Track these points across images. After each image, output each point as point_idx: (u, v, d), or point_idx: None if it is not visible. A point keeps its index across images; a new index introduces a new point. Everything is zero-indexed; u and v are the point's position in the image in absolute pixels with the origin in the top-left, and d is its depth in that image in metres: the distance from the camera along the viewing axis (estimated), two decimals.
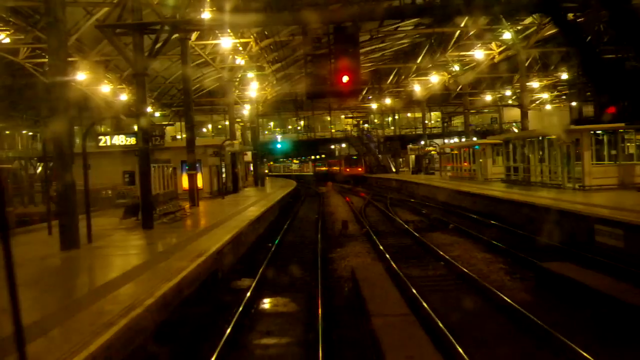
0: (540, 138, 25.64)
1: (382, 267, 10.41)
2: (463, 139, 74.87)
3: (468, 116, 51.61)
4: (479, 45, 41.47)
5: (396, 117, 68.49)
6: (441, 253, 14.44)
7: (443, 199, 30.27)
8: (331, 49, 14.10)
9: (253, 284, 11.67)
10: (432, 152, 54.04)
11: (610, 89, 2.28)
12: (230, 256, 13.69)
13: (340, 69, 14.55)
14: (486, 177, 33.72)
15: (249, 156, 49.33)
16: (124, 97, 42.77)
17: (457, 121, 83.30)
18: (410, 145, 59.55)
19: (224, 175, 34.34)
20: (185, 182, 29.44)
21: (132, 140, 30.12)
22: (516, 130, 73.08)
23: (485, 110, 79.51)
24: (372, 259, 14.81)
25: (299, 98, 53.56)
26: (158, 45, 17.73)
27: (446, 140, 73.82)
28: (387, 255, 14.27)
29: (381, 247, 15.67)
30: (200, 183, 29.77)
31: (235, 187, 34.94)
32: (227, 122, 78.70)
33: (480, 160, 34.61)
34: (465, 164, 38.90)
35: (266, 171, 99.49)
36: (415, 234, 18.34)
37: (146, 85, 16.91)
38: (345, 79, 14.59)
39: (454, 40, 40.47)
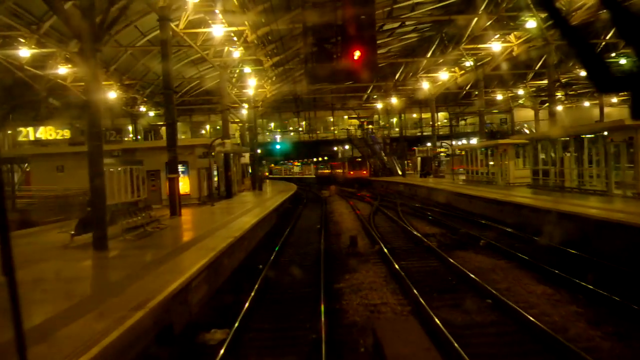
0: (579, 137, 21.95)
1: (420, 332, 6.71)
2: (473, 141, 71.34)
3: (483, 115, 47.85)
4: (497, 36, 37.74)
5: (402, 117, 64.80)
6: (484, 285, 10.76)
7: (462, 206, 26.60)
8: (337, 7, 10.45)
9: (227, 339, 8.03)
10: (442, 154, 50.25)
11: (611, 89, 2.07)
12: (202, 290, 10.05)
13: (350, 42, 10.90)
14: (508, 182, 30.03)
15: (246, 158, 45.74)
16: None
17: (464, 122, 79.84)
18: (418, 147, 55.78)
19: (215, 179, 30.71)
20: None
21: (65, 133, 26.37)
22: (527, 132, 69.50)
23: (495, 111, 75.86)
24: (392, 292, 11.13)
25: (301, 96, 49.80)
26: (115, 7, 14.05)
27: (453, 142, 70.33)
28: (412, 288, 10.62)
29: (402, 274, 12.01)
30: (186, 188, 26.17)
31: (228, 191, 31.30)
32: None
33: (503, 162, 30.89)
34: (481, 167, 35.21)
35: (266, 174, 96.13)
36: (441, 253, 14.66)
37: (98, 58, 12.99)
38: (357, 54, 10.93)
39: (469, 30, 36.79)
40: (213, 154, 26.05)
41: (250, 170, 58.60)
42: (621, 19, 2.01)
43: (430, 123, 75.12)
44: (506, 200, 21.54)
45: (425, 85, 51.59)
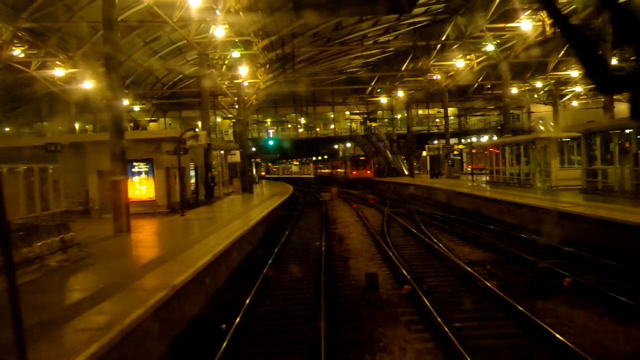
0: None
1: None
2: (484, 138, 65.58)
3: (509, 108, 42.01)
4: (527, 14, 31.92)
5: (409, 112, 58.92)
6: None
7: (498, 216, 20.89)
8: None
9: None
10: (456, 152, 44.46)
11: (611, 89, 2.19)
12: None
13: None
14: (550, 185, 24.28)
15: (237, 156, 39.97)
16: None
17: (474, 119, 73.99)
18: (428, 144, 49.90)
19: (193, 181, 24.97)
20: (131, 191, 20.05)
21: None
22: (542, 128, 63.74)
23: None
24: None
25: (298, 83, 44.03)
26: None
27: (462, 140, 64.62)
28: None
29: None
30: (151, 192, 20.40)
31: (209, 196, 25.52)
32: (219, 119, 69.78)
33: (543, 160, 25.12)
34: (510, 166, 29.50)
35: (263, 173, 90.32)
36: (515, 305, 8.90)
37: None
38: None
39: (494, 6, 31.02)
40: (183, 149, 20.28)
41: (254, 170, 53.09)
42: (621, 18, 1.95)
43: (437, 120, 70.13)
44: (581, 213, 15.71)
45: (436, 77, 45.76)
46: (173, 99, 60.07)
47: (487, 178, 33.22)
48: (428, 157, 49.81)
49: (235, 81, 43.25)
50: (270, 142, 34.01)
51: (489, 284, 10.47)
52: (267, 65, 39.10)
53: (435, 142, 56.06)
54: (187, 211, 21.57)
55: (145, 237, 15.14)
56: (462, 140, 63.54)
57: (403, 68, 48.12)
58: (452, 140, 54.49)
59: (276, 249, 15.77)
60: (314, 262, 14.38)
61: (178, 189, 22.37)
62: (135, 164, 20.37)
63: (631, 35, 1.97)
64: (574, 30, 2.16)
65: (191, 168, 24.97)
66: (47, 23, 29.97)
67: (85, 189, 20.55)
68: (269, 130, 39.64)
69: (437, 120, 70.31)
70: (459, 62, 42.31)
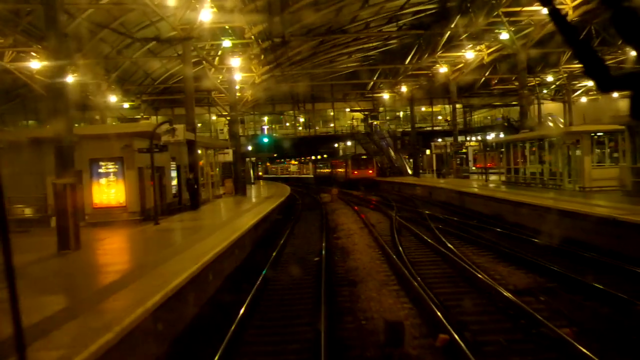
0: None
1: None
2: (490, 136, 62.33)
3: (527, 100, 38.73)
4: None
5: (414, 108, 55.67)
6: None
7: (529, 223, 17.68)
8: None
9: None
10: (464, 150, 41.20)
11: (611, 88, 2.09)
12: None
13: None
14: (581, 186, 21.05)
15: (231, 155, 36.73)
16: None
17: (479, 115, 70.62)
18: (435, 142, 46.59)
19: (174, 183, 21.76)
20: (97, 196, 16.94)
21: None
22: (551, 125, 60.43)
23: (514, 103, 66.77)
24: None
25: (297, 77, 40.74)
26: None
27: (467, 138, 61.41)
28: None
29: None
30: (121, 197, 17.19)
31: (194, 200, 22.28)
32: (214, 117, 66.53)
33: (574, 157, 21.89)
34: (530, 164, 26.31)
35: (260, 173, 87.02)
36: None
37: None
38: None
39: None
40: (158, 146, 17.01)
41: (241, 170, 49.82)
42: (621, 18, 1.96)
43: (439, 118, 66.72)
44: None
45: (443, 69, 42.50)
46: (165, 95, 56.79)
47: (502, 178, 30.01)
48: (434, 156, 46.59)
49: (228, 74, 40.14)
50: (265, 140, 30.77)
51: (560, 332, 7.26)
52: (262, 56, 35.86)
53: (439, 140, 52.81)
54: (165, 218, 18.37)
55: (95, 257, 11.91)
56: (467, 138, 60.45)
57: (407, 61, 44.83)
58: (459, 138, 51.24)
59: (264, 271, 12.52)
60: (311, 289, 11.17)
61: (158, 192, 19.14)
62: (102, 163, 17.16)
63: (631, 35, 1.95)
64: (574, 29, 2.13)
65: (172, 168, 21.75)
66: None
67: (44, 193, 17.32)
68: (263, 127, 36.21)
69: (439, 117, 67.13)
70: (469, 54, 39.05)
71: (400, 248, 15.07)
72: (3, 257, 2.53)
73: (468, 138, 60.96)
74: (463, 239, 16.72)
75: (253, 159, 46.72)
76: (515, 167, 28.31)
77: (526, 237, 15.74)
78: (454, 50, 41.48)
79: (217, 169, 31.93)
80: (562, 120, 59.34)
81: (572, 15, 28.53)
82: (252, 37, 29.92)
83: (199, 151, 28.22)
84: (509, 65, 47.57)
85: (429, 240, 16.27)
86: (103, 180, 17.12)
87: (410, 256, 13.96)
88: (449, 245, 15.01)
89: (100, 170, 17.03)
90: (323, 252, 14.83)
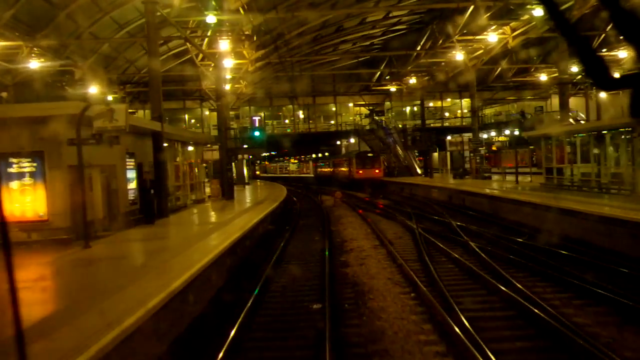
0: None
1: None
2: (506, 132, 57.07)
3: (567, 88, 33.55)
4: None
5: (424, 102, 50.42)
6: None
7: (616, 246, 12.51)
8: None
9: None
10: (481, 148, 35.92)
11: (611, 87, 2.04)
12: None
13: None
14: None
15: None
16: None
17: (490, 110, 65.24)
18: (451, 137, 41.19)
19: (132, 186, 16.57)
20: (6, 206, 11.77)
21: None
22: (573, 122, 55.06)
23: (529, 97, 61.57)
24: None
25: (295, 64, 35.46)
26: None
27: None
28: None
29: None
30: (41, 208, 11.99)
31: (161, 208, 17.09)
32: (207, 112, 61.27)
33: None
34: (583, 164, 21.10)
35: (258, 172, 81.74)
36: None
37: None
38: None
39: None
40: (90, 137, 11.79)
41: (233, 169, 44.52)
42: (621, 18, 1.88)
43: (446, 114, 61.24)
44: None
45: (459, 56, 37.28)
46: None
47: (529, 179, 24.80)
48: (448, 154, 41.38)
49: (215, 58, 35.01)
50: (256, 134, 25.64)
51: None
52: (255, 37, 30.64)
53: (449, 137, 47.47)
54: (105, 238, 13.25)
55: None
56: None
57: (419, 47, 39.61)
58: (467, 135, 45.98)
59: (227, 342, 7.31)
60: None
61: (99, 200, 13.99)
62: (12, 160, 12.00)
63: (631, 35, 1.88)
64: (573, 29, 2.04)
65: (130, 167, 16.57)
66: None
67: None
68: (254, 118, 30.83)
69: (447, 114, 61.84)
70: (491, 37, 33.81)
71: (442, 285, 9.92)
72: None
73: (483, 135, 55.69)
74: (528, 270, 11.53)
75: (246, 156, 41.44)
76: (558, 167, 23.11)
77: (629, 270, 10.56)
78: (471, 36, 36.27)
79: (200, 169, 26.76)
80: (582, 116, 54.15)
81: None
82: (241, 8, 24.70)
83: (178, 148, 23.13)
84: (535, 51, 42.51)
85: (480, 272, 11.14)
86: (15, 184, 11.96)
87: (463, 305, 8.77)
88: (516, 283, 9.84)
89: (11, 170, 11.89)
90: (326, 293, 9.68)
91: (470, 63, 36.89)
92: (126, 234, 13.98)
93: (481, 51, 37.12)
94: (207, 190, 28.94)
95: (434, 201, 28.44)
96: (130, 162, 16.66)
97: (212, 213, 20.83)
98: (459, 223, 18.75)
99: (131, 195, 16.32)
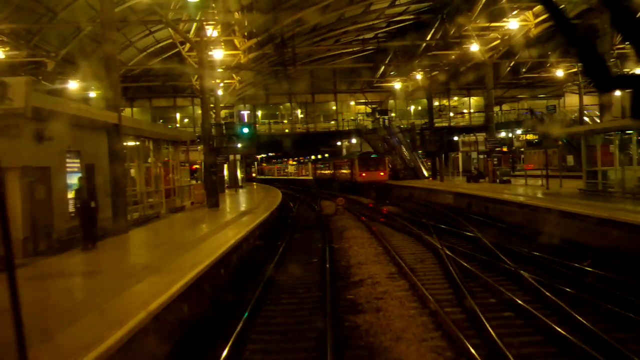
0: None
1: None
2: (518, 132, 53.02)
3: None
4: None
5: (427, 102, 46.49)
6: None
7: None
8: None
9: None
10: (505, 149, 31.93)
11: (611, 87, 2.08)
12: None
13: None
14: None
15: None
16: None
17: (497, 109, 61.18)
18: (463, 137, 37.21)
19: (70, 196, 12.56)
20: None
21: None
22: (589, 121, 51.13)
23: (541, 95, 57.66)
24: None
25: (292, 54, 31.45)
26: None
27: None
28: None
29: None
30: None
31: (87, 231, 13.01)
32: (199, 110, 57.29)
33: None
34: None
35: (254, 175, 77.71)
36: None
37: None
38: None
39: None
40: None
41: (225, 171, 40.61)
42: (621, 18, 1.92)
43: (451, 114, 56.90)
44: None
45: (474, 47, 33.39)
46: (140, 83, 47.62)
47: (565, 185, 20.88)
48: (460, 155, 37.48)
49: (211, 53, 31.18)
50: (245, 130, 21.80)
51: None
52: (246, 22, 26.73)
53: (461, 137, 43.54)
54: (20, 268, 9.36)
55: None
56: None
57: (429, 37, 35.73)
58: (480, 135, 41.99)
59: None
60: None
61: (17, 215, 10.09)
62: None
63: (631, 35, 1.93)
64: (574, 29, 2.08)
65: (73, 169, 12.64)
66: None
67: None
68: (242, 113, 26.63)
69: (451, 114, 57.80)
70: (512, 24, 29.90)
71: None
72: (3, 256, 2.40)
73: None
74: (617, 319, 7.61)
75: (239, 156, 37.52)
76: (603, 170, 19.20)
77: None
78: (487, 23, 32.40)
79: (180, 171, 22.84)
80: (598, 114, 50.26)
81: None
82: None
83: (150, 146, 19.21)
84: (552, 45, 38.57)
85: (556, 328, 7.23)
86: None
87: None
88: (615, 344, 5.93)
89: None
90: None
91: (486, 55, 32.96)
92: (48, 265, 10.02)
93: (498, 41, 33.26)
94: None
95: (450, 209, 24.52)
96: (74, 164, 12.74)
97: (186, 227, 16.85)
98: (492, 240, 14.85)
99: (70, 207, 12.39)
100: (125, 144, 17.24)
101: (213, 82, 35.36)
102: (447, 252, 13.46)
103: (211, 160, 22.11)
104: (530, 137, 33.15)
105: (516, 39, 31.60)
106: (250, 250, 14.36)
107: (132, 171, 17.42)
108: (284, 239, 17.63)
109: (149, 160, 18.85)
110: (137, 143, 18.00)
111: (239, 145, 23.79)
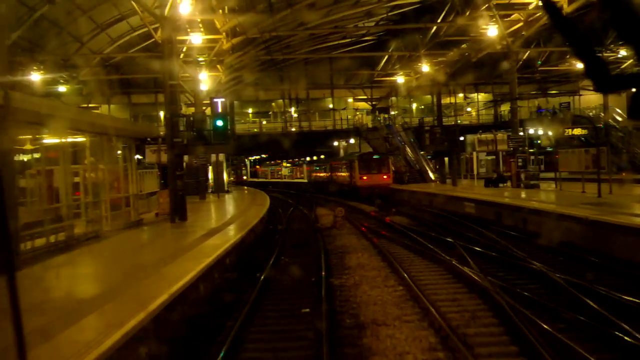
0: None
1: None
2: (530, 131, 48.24)
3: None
4: None
5: (432, 100, 41.73)
6: None
7: None
8: None
9: None
10: (523, 150, 27.11)
11: (611, 88, 1.99)
12: None
13: None
14: None
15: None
16: None
17: (505, 107, 56.46)
18: (480, 134, 32.25)
19: None
20: None
21: None
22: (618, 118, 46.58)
23: (554, 91, 52.99)
24: None
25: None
26: None
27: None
28: None
29: None
30: None
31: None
32: (183, 108, 52.27)
33: None
34: None
35: (245, 177, 72.90)
36: None
37: None
38: None
39: None
40: None
41: (210, 174, 35.70)
42: (621, 18, 1.82)
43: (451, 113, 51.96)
44: None
45: (492, 31, 28.63)
46: (117, 75, 42.55)
47: (615, 191, 16.19)
48: (476, 156, 32.69)
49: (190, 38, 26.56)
50: (219, 123, 17.07)
51: None
52: None
53: (478, 135, 38.58)
54: None
55: None
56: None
57: (439, 20, 30.93)
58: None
59: None
60: None
61: None
62: None
63: (631, 35, 1.83)
64: (574, 29, 1.97)
65: None
66: None
67: None
68: (216, 100, 21.91)
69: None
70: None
71: None
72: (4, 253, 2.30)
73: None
74: None
75: (222, 157, 32.65)
76: None
77: None
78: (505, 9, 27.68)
79: (136, 175, 17.93)
80: (619, 111, 45.69)
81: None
82: None
83: (84, 143, 14.27)
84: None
85: None
86: None
87: None
88: None
89: None
90: None
91: (509, 39, 28.19)
92: None
93: (520, 24, 28.51)
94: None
95: (475, 220, 19.70)
96: None
97: (114, 259, 11.77)
98: (562, 276, 10.08)
99: None
100: (49, 141, 12.42)
101: (188, 73, 30.65)
102: (506, 297, 8.71)
103: (176, 162, 17.20)
104: (577, 131, 28.11)
105: (542, 22, 26.83)
106: (208, 294, 9.49)
107: (56, 179, 12.54)
108: (264, 267, 12.76)
109: (86, 162, 13.96)
110: (66, 140, 13.11)
111: (215, 142, 18.86)
